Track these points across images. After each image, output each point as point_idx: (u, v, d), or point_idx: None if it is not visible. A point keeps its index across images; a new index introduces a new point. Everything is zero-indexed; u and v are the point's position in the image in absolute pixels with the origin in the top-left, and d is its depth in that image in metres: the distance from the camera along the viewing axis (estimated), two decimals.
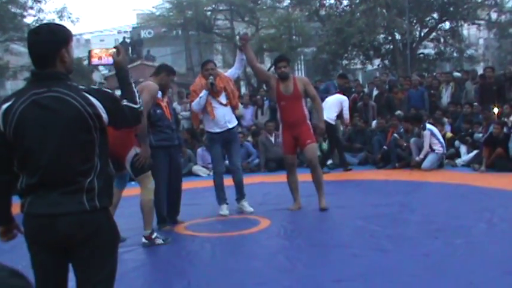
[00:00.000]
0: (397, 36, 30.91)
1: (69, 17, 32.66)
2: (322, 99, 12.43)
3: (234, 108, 9.04)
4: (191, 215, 8.84)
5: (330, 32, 29.28)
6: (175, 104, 15.77)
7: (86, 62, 40.77)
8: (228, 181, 9.12)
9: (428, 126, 13.13)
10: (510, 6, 32.40)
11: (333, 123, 13.35)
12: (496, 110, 13.81)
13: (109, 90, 3.36)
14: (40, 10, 32.50)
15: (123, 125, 3.44)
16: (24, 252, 3.34)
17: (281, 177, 12.49)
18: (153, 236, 7.19)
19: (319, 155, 10.95)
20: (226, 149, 9.10)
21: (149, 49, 38.14)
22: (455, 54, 32.21)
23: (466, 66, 30.09)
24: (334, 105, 13.42)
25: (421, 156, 12.90)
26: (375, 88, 17.41)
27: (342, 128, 14.85)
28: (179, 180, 8.41)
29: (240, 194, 9.12)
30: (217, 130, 8.82)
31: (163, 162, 7.95)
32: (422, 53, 32.44)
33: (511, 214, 8.04)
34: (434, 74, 20.92)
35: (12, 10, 31.66)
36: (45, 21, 31.78)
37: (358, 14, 29.26)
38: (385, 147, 13.91)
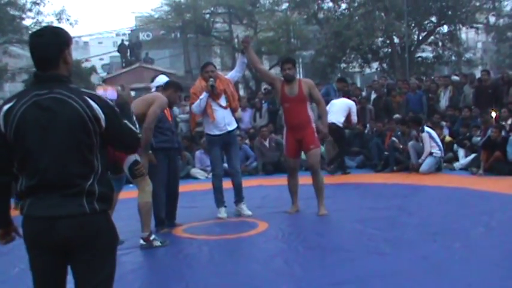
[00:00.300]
0: (396, 40, 30.91)
1: (68, 20, 32.77)
2: (327, 102, 12.57)
3: (233, 111, 9.03)
4: (189, 217, 8.84)
5: (328, 35, 29.27)
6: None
7: (84, 64, 41.04)
8: (226, 184, 9.11)
9: (427, 129, 13.15)
10: (508, 10, 32.46)
11: (341, 125, 13.42)
12: (494, 114, 13.82)
13: (111, 102, 3.35)
14: (39, 12, 32.61)
15: (119, 138, 3.34)
16: (22, 254, 3.33)
17: (279, 180, 12.51)
18: (151, 238, 7.19)
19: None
20: (226, 152, 9.09)
21: (148, 52, 38.15)
22: (453, 57, 32.21)
23: (464, 69, 30.10)
24: (342, 109, 13.53)
25: (423, 158, 12.90)
26: (373, 92, 17.41)
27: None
28: (176, 183, 8.41)
29: (239, 197, 9.11)
30: (217, 132, 8.81)
31: (162, 164, 7.95)
32: (420, 57, 32.44)
33: (509, 217, 8.04)
34: (433, 77, 20.91)
35: (11, 12, 31.71)
36: (44, 24, 31.92)
37: (357, 17, 29.27)
38: (386, 153, 13.90)
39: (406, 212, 8.70)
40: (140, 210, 7.15)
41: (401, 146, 13.53)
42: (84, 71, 39.05)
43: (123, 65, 36.24)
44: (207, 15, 37.75)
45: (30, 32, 32.92)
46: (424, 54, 32.94)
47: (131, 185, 7.89)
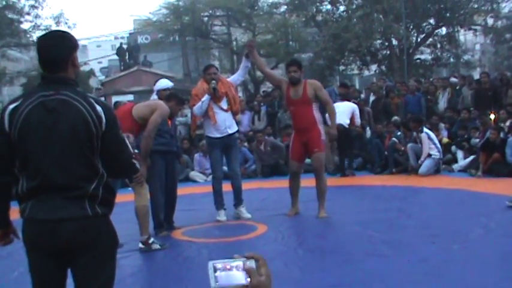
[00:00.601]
0: (394, 42, 30.92)
1: (66, 23, 32.79)
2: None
3: (234, 114, 9.03)
4: (188, 220, 8.84)
5: (326, 38, 29.27)
6: None
7: (82, 68, 41.03)
8: (226, 186, 9.11)
9: (425, 130, 13.16)
10: (506, 12, 32.48)
11: (347, 127, 13.50)
12: (492, 117, 13.83)
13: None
14: (37, 16, 32.61)
15: (113, 150, 3.27)
16: (21, 258, 3.33)
17: (278, 182, 12.52)
18: (150, 241, 7.19)
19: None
20: (226, 155, 9.07)
21: (146, 55, 38.19)
22: (452, 59, 32.23)
23: (462, 71, 30.11)
24: (346, 111, 13.62)
25: (422, 159, 12.90)
26: (371, 94, 17.41)
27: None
28: (175, 186, 8.40)
29: (238, 200, 9.10)
30: (217, 135, 8.80)
31: (160, 166, 7.95)
32: (419, 59, 32.46)
33: (508, 219, 8.04)
34: (431, 79, 20.93)
35: (9, 16, 31.71)
36: (42, 27, 31.93)
37: (355, 19, 29.26)
38: (386, 152, 13.92)
39: (405, 214, 8.71)
40: (138, 214, 7.16)
41: (402, 148, 13.52)
42: (83, 74, 39.02)
43: (122, 68, 36.29)
44: (206, 18, 37.74)
45: (28, 35, 33.06)
46: (422, 56, 32.95)
47: (129, 188, 7.89)
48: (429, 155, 12.88)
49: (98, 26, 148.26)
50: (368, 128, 15.64)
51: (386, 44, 31.06)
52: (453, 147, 13.92)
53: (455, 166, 13.42)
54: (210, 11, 37.23)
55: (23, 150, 3.12)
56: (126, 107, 7.83)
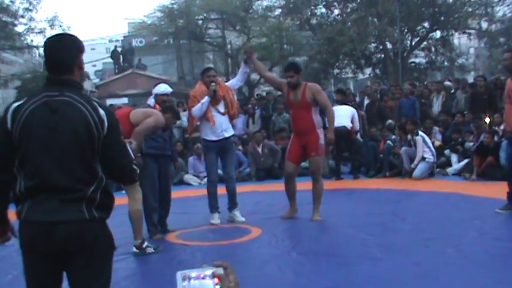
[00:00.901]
0: (388, 45, 31.03)
1: (61, 26, 32.68)
2: None
3: (231, 118, 9.04)
4: (182, 223, 8.83)
5: (321, 41, 29.36)
6: None
7: None
8: (220, 190, 9.10)
9: (420, 133, 13.19)
10: (500, 15, 32.59)
11: (350, 129, 13.62)
12: (487, 120, 13.86)
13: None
14: (31, 19, 32.54)
15: (113, 153, 3.27)
16: (15, 261, 3.33)
17: (272, 186, 12.53)
18: (144, 245, 7.18)
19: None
20: (221, 158, 9.06)
21: (140, 58, 38.11)
22: (446, 63, 32.38)
23: (457, 75, 30.23)
24: (348, 114, 13.75)
25: (415, 162, 12.92)
26: (366, 97, 17.43)
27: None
28: (169, 190, 8.40)
29: (233, 203, 9.09)
30: (214, 138, 8.80)
31: (152, 169, 7.94)
32: (413, 62, 32.57)
33: (502, 222, 8.07)
34: (426, 83, 20.98)
35: (3, 19, 31.64)
36: (36, 30, 31.86)
37: (350, 23, 29.37)
38: (381, 155, 13.96)
39: (399, 217, 8.71)
40: (131, 218, 7.15)
41: (399, 151, 13.53)
42: None
43: (116, 71, 36.20)
44: (200, 21, 37.80)
45: (22, 38, 32.97)
46: (416, 60, 33.09)
47: (123, 191, 7.88)
48: (423, 159, 12.91)
49: (92, 28, 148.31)
50: (360, 132, 15.65)
51: (381, 47, 31.17)
52: (447, 151, 13.95)
53: (449, 170, 13.45)
54: (205, 14, 37.30)
55: (23, 149, 3.11)
56: (123, 111, 7.81)
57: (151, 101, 8.44)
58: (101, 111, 3.18)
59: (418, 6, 30.10)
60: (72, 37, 3.35)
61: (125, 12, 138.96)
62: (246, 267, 6.55)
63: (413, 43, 31.91)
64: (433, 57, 32.14)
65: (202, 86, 8.85)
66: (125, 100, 31.77)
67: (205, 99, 8.65)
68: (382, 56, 31.41)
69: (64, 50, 3.24)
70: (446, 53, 31.81)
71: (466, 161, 13.14)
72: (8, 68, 35.15)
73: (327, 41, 28.88)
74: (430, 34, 31.76)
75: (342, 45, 28.27)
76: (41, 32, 32.73)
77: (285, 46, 35.87)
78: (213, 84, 8.65)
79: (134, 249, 7.16)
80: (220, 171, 9.68)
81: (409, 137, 13.38)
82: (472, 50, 44.57)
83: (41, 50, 43.02)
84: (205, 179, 13.46)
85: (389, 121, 15.45)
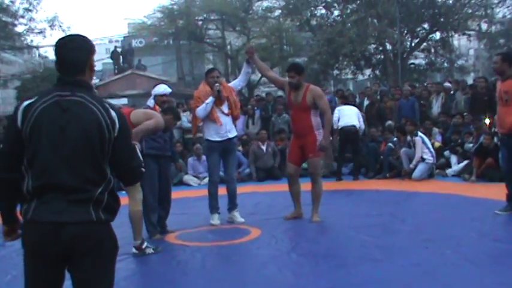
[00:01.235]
0: (388, 47, 31.03)
1: (61, 26, 32.62)
2: (332, 109, 12.95)
3: (234, 119, 9.05)
4: (182, 224, 8.82)
5: (321, 42, 29.33)
6: None
7: None
8: (219, 190, 9.08)
9: (420, 134, 13.21)
10: (500, 17, 32.60)
11: (358, 129, 13.76)
12: (487, 121, 13.86)
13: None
14: (31, 19, 32.49)
15: (123, 155, 3.29)
16: (15, 261, 3.32)
17: (272, 186, 12.53)
18: (144, 246, 7.17)
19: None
20: (223, 159, 9.04)
21: (140, 58, 38.15)
22: (445, 64, 32.38)
23: (456, 76, 30.22)
24: (355, 114, 13.89)
25: (414, 163, 12.94)
26: (366, 98, 17.42)
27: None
28: (169, 190, 8.39)
29: (233, 204, 9.09)
30: (218, 139, 8.80)
31: (152, 170, 7.92)
32: (413, 63, 32.57)
33: (501, 224, 8.08)
34: (425, 84, 20.98)
35: (3, 19, 31.61)
36: (36, 30, 31.86)
37: (349, 24, 29.35)
38: (381, 157, 13.98)
39: (399, 218, 8.71)
40: (131, 219, 7.15)
41: (400, 152, 13.54)
42: None
43: (116, 71, 36.24)
44: (200, 22, 37.78)
45: (22, 38, 32.95)
46: (416, 61, 33.08)
47: (123, 192, 7.88)
48: (423, 160, 12.92)
49: (92, 29, 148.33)
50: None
51: (381, 48, 31.17)
52: (447, 152, 13.96)
53: (448, 171, 13.45)
54: (205, 15, 37.30)
55: (33, 148, 3.10)
56: (124, 111, 7.79)
57: (150, 102, 8.42)
58: (113, 113, 3.20)
59: (418, 8, 30.10)
60: (84, 38, 3.36)
61: (125, 12, 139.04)
62: (246, 268, 6.56)
63: (413, 44, 31.90)
64: (433, 58, 32.13)
65: (206, 86, 8.85)
66: (125, 101, 31.76)
67: (210, 99, 8.65)
68: (382, 57, 31.41)
69: (77, 50, 3.26)
70: (446, 55, 31.83)
71: (465, 162, 13.15)
72: (7, 68, 35.11)
73: (326, 42, 28.86)
74: (430, 35, 31.76)
75: (342, 46, 28.25)
76: (41, 32, 32.73)
77: (285, 47, 35.90)
78: (217, 84, 8.66)
79: (134, 250, 7.16)
80: (220, 172, 9.68)
81: (408, 138, 13.40)
82: (471, 52, 44.60)
83: (41, 50, 43.13)
84: (205, 180, 13.52)
85: (389, 122, 15.46)
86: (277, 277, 6.01)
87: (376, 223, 8.32)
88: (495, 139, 12.45)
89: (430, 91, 17.10)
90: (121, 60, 36.41)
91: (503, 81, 8.33)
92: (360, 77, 34.03)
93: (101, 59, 46.66)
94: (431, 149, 13.07)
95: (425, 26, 31.49)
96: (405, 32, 31.15)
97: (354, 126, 13.49)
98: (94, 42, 3.48)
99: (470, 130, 14.01)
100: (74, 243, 3.07)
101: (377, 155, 14.22)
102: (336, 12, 32.04)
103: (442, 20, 30.25)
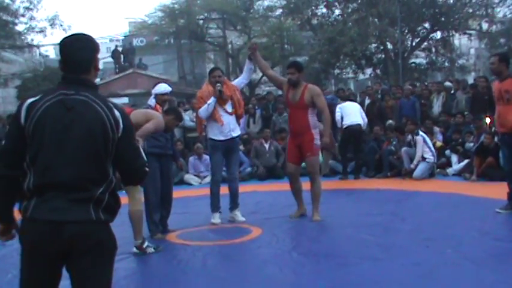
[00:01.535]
0: (389, 46, 31.03)
1: (61, 25, 32.58)
2: (335, 106, 13.56)
3: (238, 118, 9.04)
4: (183, 223, 8.83)
5: (322, 41, 29.32)
6: None
7: None
8: (222, 189, 9.07)
9: (421, 133, 13.21)
10: (501, 16, 32.58)
11: (362, 127, 13.85)
12: (488, 120, 13.87)
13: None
14: (32, 18, 32.44)
15: (127, 155, 3.30)
16: (15, 260, 3.31)
17: (273, 186, 12.53)
18: (144, 246, 7.17)
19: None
20: (226, 158, 9.03)
21: (141, 57, 38.09)
22: (446, 64, 32.35)
23: (457, 76, 30.22)
24: (358, 111, 13.94)
25: (415, 162, 12.95)
26: (366, 97, 17.42)
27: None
28: (170, 189, 8.39)
29: (234, 203, 9.09)
30: (221, 138, 8.79)
31: (154, 168, 7.92)
32: (413, 63, 32.55)
33: (502, 223, 8.08)
34: (426, 83, 20.97)
35: (4, 18, 31.57)
36: (37, 29, 31.84)
37: (350, 23, 29.35)
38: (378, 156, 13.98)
39: (399, 217, 8.72)
40: (131, 218, 7.14)
41: (401, 152, 13.53)
42: None
43: (117, 70, 36.18)
44: (201, 21, 37.75)
45: (23, 37, 32.91)
46: (417, 60, 33.07)
47: (123, 191, 7.87)
48: (423, 159, 12.92)
49: (93, 28, 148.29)
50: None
51: (382, 47, 31.16)
52: (447, 151, 13.97)
53: (449, 170, 13.46)
54: (206, 14, 37.27)
55: (36, 145, 3.10)
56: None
57: (151, 101, 8.40)
58: (117, 113, 3.21)
59: (419, 7, 30.10)
60: (89, 37, 3.37)
61: (126, 11, 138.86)
62: (246, 267, 6.57)
63: (413, 44, 31.90)
64: (434, 57, 32.13)
65: (208, 86, 8.85)
66: (126, 100, 31.76)
67: (211, 100, 8.64)
68: (383, 56, 31.40)
69: (82, 50, 3.27)
70: (447, 54, 31.80)
71: (466, 161, 13.15)
72: (8, 67, 35.03)
73: (327, 41, 28.85)
74: (431, 35, 31.76)
75: (343, 46, 28.24)
76: (42, 31, 32.68)
77: (286, 46, 35.87)
78: (219, 84, 8.64)
79: (134, 250, 7.16)
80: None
81: (409, 137, 13.40)
82: (472, 51, 44.51)
83: (42, 49, 43.09)
84: (206, 179, 13.53)
85: (390, 121, 15.46)
86: (278, 276, 6.01)
87: (377, 222, 8.33)
88: (495, 138, 12.46)
89: (431, 90, 17.11)
90: (122, 59, 36.36)
91: (501, 81, 8.36)
92: (361, 76, 34.01)
93: (102, 58, 46.63)
94: (432, 148, 13.07)
95: (426, 25, 31.49)
96: (406, 31, 31.14)
97: (359, 124, 13.52)
98: None
99: (471, 129, 14.02)
100: (73, 242, 3.07)
101: (375, 154, 14.17)
102: (337, 12, 32.03)
103: (442, 19, 30.26)
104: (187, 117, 16.34)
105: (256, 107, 17.76)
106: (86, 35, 3.41)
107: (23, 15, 32.36)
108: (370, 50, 31.27)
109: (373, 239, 7.30)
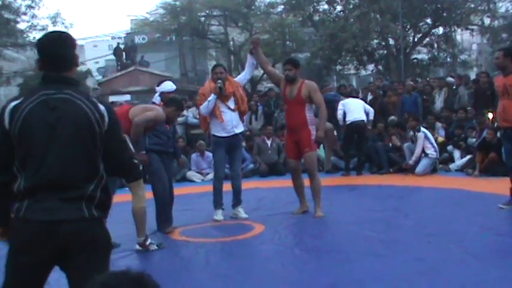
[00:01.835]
0: (391, 42, 30.96)
1: (63, 23, 32.58)
2: (337, 102, 13.67)
3: (242, 114, 9.04)
4: (185, 220, 8.84)
5: (323, 38, 29.29)
6: None
7: (79, 67, 40.96)
8: (225, 186, 9.08)
9: (423, 129, 13.19)
10: (503, 11, 32.51)
11: (366, 123, 13.83)
12: (490, 115, 13.85)
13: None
14: (33, 16, 32.45)
15: (114, 148, 3.30)
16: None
17: (275, 182, 12.53)
18: (147, 243, 7.18)
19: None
20: (229, 155, 9.03)
21: (143, 55, 38.07)
22: (448, 59, 32.28)
23: (459, 71, 30.16)
24: (361, 107, 13.91)
25: (413, 158, 12.93)
26: (369, 93, 17.39)
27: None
28: (171, 187, 8.40)
29: (237, 200, 9.08)
30: (224, 134, 8.79)
31: (159, 164, 7.95)
32: (415, 58, 32.49)
33: (504, 218, 8.08)
34: (428, 79, 20.94)
35: (6, 16, 31.57)
36: (38, 27, 31.84)
37: (352, 19, 29.29)
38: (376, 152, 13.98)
39: (402, 213, 8.72)
40: (135, 216, 7.13)
41: (403, 147, 13.53)
42: (80, 74, 38.86)
43: (119, 68, 36.18)
44: (203, 18, 37.72)
45: (25, 35, 32.91)
46: (419, 56, 33.01)
47: (126, 188, 7.88)
48: (426, 155, 12.90)
49: (95, 26, 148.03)
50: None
51: (383, 43, 31.11)
52: (450, 147, 13.95)
53: (452, 166, 13.44)
54: (207, 11, 37.23)
55: (24, 148, 3.10)
56: (123, 108, 7.79)
57: (156, 99, 8.41)
58: (101, 107, 3.21)
59: (421, 3, 30.03)
60: (67, 34, 3.36)
61: (128, 9, 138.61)
62: (249, 263, 6.57)
63: (415, 39, 31.83)
64: (436, 53, 32.06)
65: (211, 83, 8.85)
66: (128, 97, 31.78)
67: (212, 96, 8.63)
68: (385, 52, 31.35)
69: (62, 47, 3.26)
70: (449, 49, 31.72)
71: (468, 157, 13.13)
72: (10, 65, 35.01)
73: (329, 38, 28.82)
74: (433, 30, 31.68)
75: (345, 42, 28.20)
76: (43, 29, 32.60)
77: (288, 42, 35.78)
78: (219, 81, 8.62)
79: (137, 247, 7.17)
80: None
81: (411, 133, 13.39)
82: (474, 46, 44.38)
83: None
84: (208, 176, 13.53)
85: (392, 117, 15.44)
86: (281, 272, 6.02)
87: (380, 218, 8.33)
88: (498, 134, 12.45)
89: (433, 86, 17.10)
90: (124, 56, 36.35)
91: (506, 76, 8.35)
92: (363, 72, 33.97)
93: (104, 56, 46.69)
94: (435, 144, 13.05)
95: (428, 20, 31.41)
96: (408, 27, 31.07)
97: (362, 121, 13.52)
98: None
99: (473, 125, 14.00)
100: (68, 241, 3.06)
101: (376, 151, 14.16)
102: (339, 8, 31.96)
103: (444, 14, 30.20)
104: (190, 114, 16.34)
105: (258, 104, 17.75)
106: (64, 32, 3.42)
107: (24, 14, 32.39)
108: (372, 46, 31.21)
109: (376, 235, 7.30)
